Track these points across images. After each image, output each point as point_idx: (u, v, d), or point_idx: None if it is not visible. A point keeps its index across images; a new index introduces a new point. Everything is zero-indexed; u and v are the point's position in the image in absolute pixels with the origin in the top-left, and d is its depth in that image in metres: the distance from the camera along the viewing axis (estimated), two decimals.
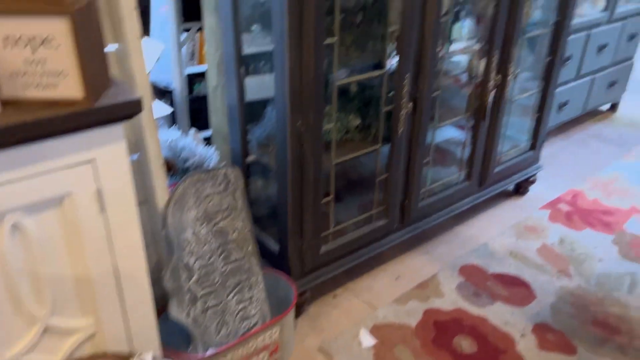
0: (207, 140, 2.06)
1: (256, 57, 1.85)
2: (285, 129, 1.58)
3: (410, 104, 1.81)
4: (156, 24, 2.53)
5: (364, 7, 1.78)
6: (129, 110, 1.02)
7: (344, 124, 1.83)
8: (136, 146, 1.43)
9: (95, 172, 1.03)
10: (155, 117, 1.34)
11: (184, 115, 2.32)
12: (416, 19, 1.70)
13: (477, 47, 2.15)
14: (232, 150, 1.94)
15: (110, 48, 1.35)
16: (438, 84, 1.94)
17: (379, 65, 1.80)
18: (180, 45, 2.18)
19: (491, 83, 2.09)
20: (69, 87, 0.95)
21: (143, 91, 1.30)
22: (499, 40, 2.03)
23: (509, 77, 2.14)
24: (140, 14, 1.28)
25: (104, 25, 1.29)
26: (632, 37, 3.35)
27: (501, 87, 2.15)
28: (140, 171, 1.46)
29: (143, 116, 1.33)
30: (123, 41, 1.30)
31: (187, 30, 2.16)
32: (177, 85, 2.28)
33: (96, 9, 1.00)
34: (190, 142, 1.84)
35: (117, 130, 1.02)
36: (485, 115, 2.15)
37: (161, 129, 1.88)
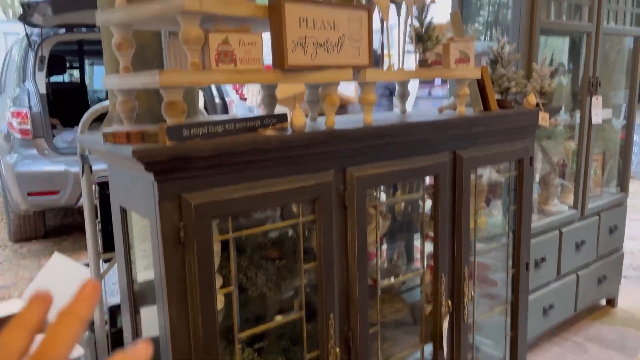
0: None
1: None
2: None
3: (338, 349, 1.53)
4: None
5: (279, 241, 1.61)
6: None
7: None
8: None
9: None
10: None
11: (104, 352, 2.05)
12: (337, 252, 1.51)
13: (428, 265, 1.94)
14: None
15: None
16: (377, 316, 1.69)
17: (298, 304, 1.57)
18: (100, 275, 2.00)
19: (443, 309, 1.83)
20: None
21: None
22: (444, 262, 1.82)
23: (465, 300, 1.89)
24: None
25: None
26: (612, 230, 3.16)
27: (456, 312, 1.88)
28: None
29: None
30: None
31: (108, 260, 2.00)
32: (96, 317, 2.05)
33: None
34: None
35: None
36: (442, 344, 1.85)
37: None
